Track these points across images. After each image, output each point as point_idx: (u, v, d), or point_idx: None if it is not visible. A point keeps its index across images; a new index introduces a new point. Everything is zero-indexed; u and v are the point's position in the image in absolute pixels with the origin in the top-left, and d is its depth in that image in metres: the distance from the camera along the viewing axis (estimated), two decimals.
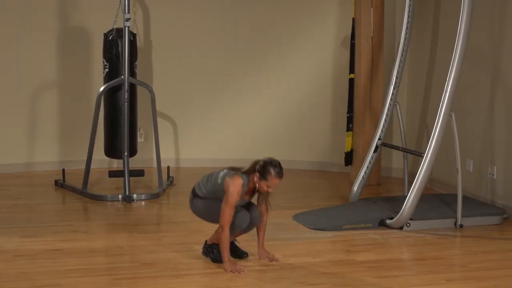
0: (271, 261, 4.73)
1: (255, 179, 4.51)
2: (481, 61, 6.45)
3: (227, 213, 4.45)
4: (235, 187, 4.46)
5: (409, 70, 7.55)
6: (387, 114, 6.38)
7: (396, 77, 6.37)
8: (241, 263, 4.69)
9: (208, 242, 4.77)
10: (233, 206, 4.47)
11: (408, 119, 7.51)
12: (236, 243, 4.82)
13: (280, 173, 4.52)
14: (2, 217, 5.83)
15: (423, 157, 5.63)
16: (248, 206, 4.69)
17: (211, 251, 4.72)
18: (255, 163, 4.56)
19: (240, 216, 4.56)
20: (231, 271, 4.49)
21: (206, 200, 4.65)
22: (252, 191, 4.62)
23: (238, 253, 4.79)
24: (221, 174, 4.59)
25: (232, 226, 4.56)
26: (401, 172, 7.09)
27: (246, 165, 4.67)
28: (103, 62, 6.73)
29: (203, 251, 4.79)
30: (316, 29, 8.01)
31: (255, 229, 4.74)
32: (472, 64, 6.42)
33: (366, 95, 7.31)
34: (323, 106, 8.08)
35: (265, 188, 4.52)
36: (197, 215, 4.76)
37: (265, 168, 4.50)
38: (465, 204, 5.76)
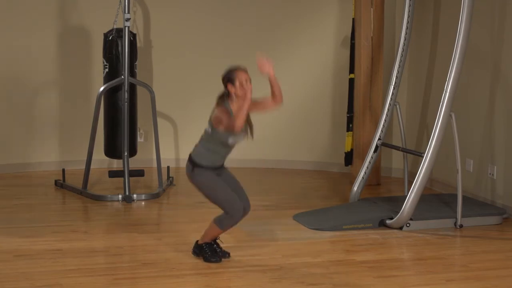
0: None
1: (232, 90, 4.57)
2: (481, 61, 6.45)
3: (228, 119, 4.50)
4: (220, 111, 4.54)
5: (409, 70, 7.55)
6: (387, 114, 6.38)
7: (396, 77, 6.37)
8: (238, 264, 4.69)
9: (199, 242, 4.76)
10: (229, 120, 4.50)
11: (408, 119, 7.51)
12: (219, 241, 4.80)
13: (240, 66, 4.64)
14: (2, 217, 5.83)
15: (423, 157, 5.63)
16: (239, 194, 4.67)
17: (203, 251, 4.71)
18: (221, 92, 4.67)
19: (236, 207, 4.58)
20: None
21: (204, 172, 4.60)
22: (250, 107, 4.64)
23: (221, 254, 4.77)
24: (208, 126, 4.63)
25: (227, 219, 4.59)
26: (401, 172, 7.08)
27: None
28: (103, 62, 6.73)
29: (193, 251, 4.79)
30: (316, 29, 8.01)
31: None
32: (472, 64, 6.42)
33: (366, 95, 7.31)
34: (323, 106, 8.08)
35: (241, 89, 4.57)
36: (196, 187, 4.70)
37: (227, 74, 4.64)
38: (465, 204, 5.76)
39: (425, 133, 7.31)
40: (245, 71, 4.64)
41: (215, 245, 4.78)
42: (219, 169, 4.69)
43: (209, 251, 4.71)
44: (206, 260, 4.70)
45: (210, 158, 4.62)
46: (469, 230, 5.66)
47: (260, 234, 5.42)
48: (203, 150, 4.64)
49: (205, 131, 4.66)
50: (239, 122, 4.47)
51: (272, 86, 4.78)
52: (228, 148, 4.66)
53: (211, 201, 4.68)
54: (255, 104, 4.73)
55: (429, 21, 7.25)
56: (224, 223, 4.64)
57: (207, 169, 4.62)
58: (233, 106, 4.59)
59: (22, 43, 7.60)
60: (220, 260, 4.70)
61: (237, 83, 4.59)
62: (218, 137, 4.57)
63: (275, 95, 4.83)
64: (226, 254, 4.80)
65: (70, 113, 7.83)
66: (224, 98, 4.63)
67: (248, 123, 4.73)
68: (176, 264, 4.68)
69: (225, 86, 4.63)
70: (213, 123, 4.57)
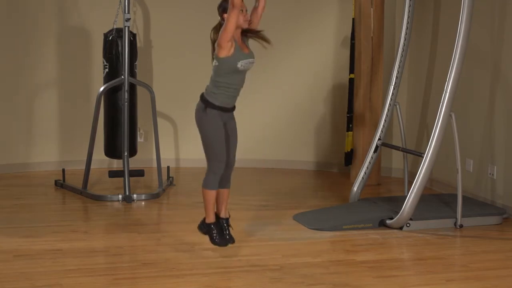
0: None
1: (226, 16, 4.54)
2: (481, 61, 6.45)
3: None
4: (223, 26, 4.54)
5: (409, 70, 7.55)
6: (387, 114, 6.38)
7: (396, 77, 6.37)
8: (238, 264, 4.70)
9: (206, 221, 4.80)
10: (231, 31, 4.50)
11: (408, 119, 7.51)
12: (230, 228, 4.86)
13: None
14: (2, 217, 5.83)
15: (423, 157, 5.63)
16: (229, 146, 4.73)
17: (211, 230, 4.76)
18: (215, 25, 4.71)
19: (217, 164, 4.65)
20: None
21: (211, 116, 4.63)
22: (243, 42, 4.67)
23: (226, 236, 4.80)
24: (214, 60, 4.66)
25: (208, 176, 4.67)
26: (401, 172, 7.09)
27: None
28: (103, 62, 6.73)
29: (200, 226, 4.85)
30: (316, 29, 8.01)
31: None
32: (472, 64, 6.42)
33: (366, 95, 7.32)
34: (323, 106, 8.08)
35: (240, 16, 4.53)
36: (198, 127, 4.73)
37: (221, 4, 4.66)
38: (465, 204, 5.77)
39: (425, 133, 7.31)
40: None
41: (225, 224, 4.81)
42: (228, 114, 4.70)
43: (216, 232, 4.75)
44: (212, 240, 4.74)
45: (221, 95, 4.64)
46: (469, 230, 5.66)
47: (260, 234, 5.42)
48: (214, 87, 4.67)
49: (213, 67, 4.67)
50: (231, 21, 4.45)
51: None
52: (239, 76, 4.66)
53: (202, 143, 4.70)
54: (251, 20, 4.71)
55: (429, 21, 7.25)
56: (207, 180, 4.68)
57: (217, 111, 4.64)
58: (236, 32, 4.60)
59: (22, 43, 7.60)
60: (225, 244, 4.74)
61: (233, 12, 4.50)
62: (227, 65, 4.57)
63: (260, 2, 4.77)
64: (231, 240, 4.82)
65: (70, 113, 7.83)
66: (219, 28, 4.65)
67: (256, 34, 4.73)
68: (176, 264, 4.68)
69: (221, 16, 4.64)
70: (217, 50, 4.56)
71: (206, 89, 4.74)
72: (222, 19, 4.64)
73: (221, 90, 4.65)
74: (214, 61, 4.65)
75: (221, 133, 4.66)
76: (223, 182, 4.78)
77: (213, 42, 4.70)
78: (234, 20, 4.47)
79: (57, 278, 4.36)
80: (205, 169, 4.75)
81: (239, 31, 4.64)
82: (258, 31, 4.74)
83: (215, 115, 4.65)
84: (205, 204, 4.76)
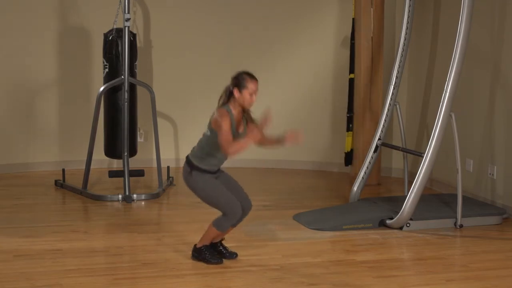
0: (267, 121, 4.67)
1: (237, 95, 4.47)
2: (481, 61, 6.45)
3: (225, 137, 4.35)
4: (222, 115, 4.41)
5: (409, 70, 7.55)
6: (387, 114, 6.38)
7: (396, 77, 6.37)
8: (238, 264, 4.70)
9: (197, 246, 4.74)
10: (228, 131, 4.39)
11: (408, 119, 7.51)
12: (224, 243, 4.80)
13: (252, 75, 4.53)
14: (2, 217, 5.83)
15: (423, 157, 5.63)
16: (238, 193, 4.64)
17: (203, 254, 4.68)
18: (226, 88, 4.55)
19: (235, 209, 4.54)
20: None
21: (202, 176, 4.55)
22: (241, 119, 4.57)
23: (227, 255, 4.76)
24: (207, 129, 4.56)
25: (225, 220, 4.56)
26: (401, 172, 7.09)
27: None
28: (103, 62, 6.73)
29: (192, 255, 4.76)
30: (316, 29, 8.01)
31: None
32: (472, 64, 6.42)
33: (366, 95, 7.32)
34: (323, 106, 8.08)
35: (248, 96, 4.48)
36: (192, 191, 4.66)
37: (238, 78, 4.51)
38: (465, 204, 5.77)
39: (425, 133, 7.31)
40: (256, 81, 4.52)
41: (220, 247, 4.76)
42: (217, 172, 4.65)
43: (208, 253, 4.69)
44: (207, 261, 4.67)
45: (208, 161, 4.56)
46: (469, 230, 5.66)
47: (260, 234, 5.42)
48: (201, 153, 4.58)
49: (204, 134, 4.59)
50: (230, 152, 4.38)
51: (271, 142, 4.83)
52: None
53: (209, 204, 4.64)
54: (250, 126, 4.66)
55: (429, 21, 7.25)
56: (223, 225, 4.60)
57: (205, 172, 4.57)
58: (234, 110, 4.51)
59: (22, 43, 7.60)
60: (221, 261, 4.68)
61: (246, 92, 4.49)
62: (217, 140, 4.45)
63: (263, 141, 4.77)
64: (233, 255, 4.77)
65: (70, 113, 7.83)
66: (225, 98, 4.54)
67: (251, 121, 4.65)
68: (176, 264, 4.68)
69: (231, 88, 4.51)
70: (212, 125, 4.48)
71: (192, 152, 4.64)
72: (231, 91, 4.51)
73: (208, 157, 4.57)
74: (207, 130, 4.55)
75: (216, 182, 4.58)
76: (237, 222, 4.69)
77: (218, 109, 4.54)
78: (224, 136, 4.39)
79: (57, 278, 4.36)
80: None
81: (241, 108, 4.56)
82: (254, 122, 4.66)
83: (204, 174, 4.57)
84: (207, 237, 4.69)
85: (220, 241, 4.78)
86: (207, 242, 4.70)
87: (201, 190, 4.60)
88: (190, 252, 4.83)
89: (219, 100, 4.56)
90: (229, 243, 4.95)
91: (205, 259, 4.68)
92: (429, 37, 7.26)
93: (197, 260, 4.73)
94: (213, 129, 4.47)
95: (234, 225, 4.67)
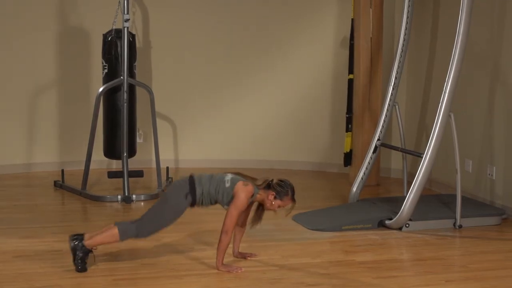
0: (248, 258, 4.75)
1: (270, 197, 4.52)
2: (480, 61, 6.46)
3: (235, 217, 4.45)
4: (247, 193, 4.45)
5: (408, 71, 7.55)
6: (386, 115, 6.38)
7: (395, 77, 6.37)
8: (237, 264, 4.70)
9: (85, 243, 4.44)
10: (241, 211, 4.48)
11: (407, 119, 7.51)
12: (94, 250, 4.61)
13: (294, 195, 4.59)
14: (1, 218, 5.83)
15: (422, 157, 5.63)
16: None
17: (83, 254, 4.44)
18: (268, 180, 4.55)
19: (148, 234, 4.52)
20: (228, 271, 4.49)
21: (184, 201, 4.49)
22: (251, 205, 4.63)
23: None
24: (228, 177, 4.52)
25: (134, 234, 4.49)
26: (400, 173, 7.09)
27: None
28: (102, 63, 6.73)
29: (75, 244, 4.44)
30: (315, 30, 8.02)
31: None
32: (472, 64, 6.43)
33: (365, 95, 7.32)
34: (322, 106, 8.08)
35: (276, 207, 4.55)
36: (160, 201, 4.58)
37: (284, 188, 4.54)
38: (464, 204, 5.77)
39: (424, 133, 7.32)
40: (294, 202, 4.59)
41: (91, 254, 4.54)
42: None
43: (85, 256, 4.45)
44: (76, 263, 4.43)
45: (205, 201, 4.53)
46: (468, 230, 5.66)
47: (259, 235, 5.42)
48: (206, 192, 4.50)
49: (222, 180, 4.52)
50: (224, 238, 4.45)
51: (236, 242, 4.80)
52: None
53: (151, 215, 4.51)
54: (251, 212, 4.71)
55: (428, 21, 7.26)
56: (127, 234, 4.47)
57: (190, 202, 4.53)
58: (257, 197, 4.55)
59: (21, 43, 7.60)
60: (85, 270, 4.46)
61: (278, 204, 4.54)
62: (223, 197, 4.50)
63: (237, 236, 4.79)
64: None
65: (70, 114, 7.83)
66: (262, 187, 4.54)
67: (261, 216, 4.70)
68: (176, 264, 4.68)
69: (270, 187, 4.53)
70: (234, 190, 4.47)
71: (200, 180, 4.54)
72: (270, 191, 4.53)
73: (208, 199, 4.54)
74: (229, 182, 4.49)
75: (180, 213, 4.53)
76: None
77: (249, 182, 4.54)
78: (233, 217, 4.45)
79: (57, 279, 4.36)
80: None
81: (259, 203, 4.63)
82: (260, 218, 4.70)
83: (187, 202, 4.52)
84: (102, 239, 4.49)
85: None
86: (96, 244, 4.49)
87: (168, 207, 4.52)
88: (190, 253, 4.83)
89: (255, 180, 4.55)
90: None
91: (77, 260, 4.42)
92: (428, 37, 7.27)
93: (71, 251, 4.44)
94: (233, 191, 4.47)
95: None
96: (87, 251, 4.49)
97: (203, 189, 4.52)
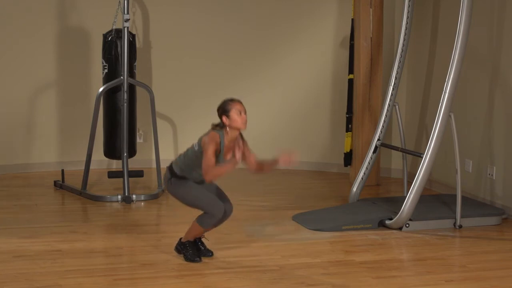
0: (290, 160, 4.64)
1: (226, 122, 4.51)
2: (480, 61, 6.46)
3: (209, 158, 4.40)
4: (211, 139, 4.46)
5: (408, 71, 7.55)
6: (386, 115, 6.38)
7: (395, 77, 6.37)
8: (237, 264, 4.70)
9: (182, 240, 4.79)
10: (211, 156, 4.43)
11: (407, 119, 7.51)
12: (204, 240, 4.83)
13: (233, 98, 4.58)
14: (1, 218, 5.83)
15: (422, 157, 5.63)
16: (221, 198, 4.69)
17: (185, 249, 4.74)
18: (214, 123, 4.59)
19: (217, 207, 4.59)
20: (229, 164, 4.47)
21: (182, 181, 4.61)
22: (233, 147, 4.60)
23: (204, 252, 4.79)
24: (195, 143, 4.59)
25: (208, 217, 4.61)
26: (400, 173, 7.09)
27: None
28: (102, 63, 6.73)
29: (176, 248, 4.82)
30: (315, 30, 8.02)
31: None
32: (471, 65, 6.43)
33: (365, 95, 7.32)
34: (322, 106, 8.08)
35: (237, 117, 4.50)
36: (174, 196, 4.74)
37: (222, 106, 4.56)
38: (464, 204, 5.77)
39: (424, 133, 7.32)
40: (238, 101, 4.57)
41: (199, 243, 4.80)
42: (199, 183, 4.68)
43: (190, 250, 4.73)
44: (186, 259, 4.71)
45: (189, 173, 4.62)
46: (468, 230, 5.66)
47: (259, 235, 5.42)
48: (184, 165, 4.63)
49: (192, 146, 4.61)
50: (208, 177, 4.45)
51: (267, 166, 4.74)
52: None
53: (192, 206, 4.70)
54: (245, 149, 4.70)
55: (428, 21, 7.26)
56: (205, 221, 4.65)
57: (186, 179, 4.62)
58: (227, 138, 4.54)
59: (21, 44, 7.60)
60: (200, 260, 4.71)
61: (232, 115, 4.52)
62: (201, 160, 4.51)
63: (260, 169, 4.75)
64: (209, 253, 4.81)
65: (70, 114, 7.83)
66: (218, 126, 4.58)
67: (242, 153, 4.68)
68: (175, 264, 4.68)
69: (220, 118, 4.56)
70: (202, 143, 4.52)
71: (176, 160, 4.68)
72: (222, 121, 4.55)
73: (190, 170, 4.61)
74: (196, 145, 4.56)
75: (196, 186, 4.62)
76: (219, 222, 4.75)
77: (211, 130, 4.58)
78: (206, 160, 4.44)
79: (57, 279, 4.36)
80: None
81: (236, 132, 4.58)
82: (244, 155, 4.69)
83: (181, 180, 4.62)
84: (190, 233, 4.75)
85: (200, 238, 4.82)
86: (191, 238, 4.76)
87: (182, 196, 4.68)
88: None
89: (213, 125, 4.59)
90: (229, 243, 4.96)
91: (186, 255, 4.73)
92: (428, 37, 7.27)
93: (178, 253, 4.79)
94: (201, 146, 4.51)
95: (215, 225, 4.72)
96: (191, 244, 4.72)
97: (180, 165, 4.61)
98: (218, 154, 4.50)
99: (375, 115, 7.23)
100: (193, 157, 4.57)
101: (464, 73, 5.94)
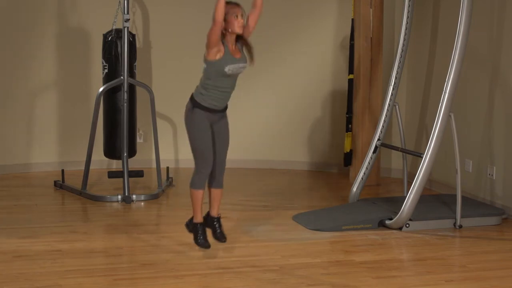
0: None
1: (226, 27, 4.53)
2: (480, 61, 6.46)
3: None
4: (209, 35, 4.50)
5: (408, 71, 7.56)
6: (386, 115, 6.38)
7: (395, 77, 6.37)
8: (237, 264, 4.70)
9: (194, 220, 4.81)
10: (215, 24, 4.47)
11: (407, 119, 7.51)
12: (222, 218, 4.88)
13: (231, 1, 4.58)
14: (1, 218, 5.83)
15: (422, 157, 5.63)
16: (218, 149, 4.76)
17: (195, 230, 4.78)
18: None
19: (203, 163, 4.66)
20: None
21: (196, 113, 4.67)
22: (237, 49, 4.63)
23: (217, 234, 4.81)
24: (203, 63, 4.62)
25: (195, 174, 4.69)
26: (400, 173, 7.09)
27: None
28: (102, 63, 6.73)
29: (186, 224, 4.89)
30: (315, 30, 8.02)
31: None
32: (471, 65, 6.43)
33: (365, 95, 7.32)
34: (322, 106, 8.09)
35: (233, 20, 4.53)
36: (186, 130, 4.78)
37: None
38: (464, 204, 5.77)
39: (424, 133, 7.32)
40: (236, 5, 4.58)
41: (215, 223, 4.81)
42: (218, 114, 4.70)
43: (200, 233, 4.76)
44: (195, 240, 4.76)
45: (210, 96, 4.62)
46: (468, 230, 5.66)
47: (259, 235, 5.42)
48: (202, 88, 4.64)
49: (203, 69, 4.63)
50: (217, 10, 4.44)
51: None
52: (229, 80, 4.61)
53: (190, 143, 4.73)
54: (246, 24, 4.69)
55: (428, 21, 7.26)
56: (193, 181, 4.69)
57: (205, 112, 4.64)
58: (228, 41, 4.58)
59: (21, 44, 7.60)
60: (209, 246, 4.73)
61: (228, 19, 4.54)
62: (214, 68, 4.54)
63: (255, 4, 4.70)
64: (222, 238, 4.82)
65: (70, 114, 7.83)
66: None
67: (246, 46, 4.70)
68: (176, 264, 4.68)
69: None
70: (205, 52, 4.54)
71: (195, 89, 4.73)
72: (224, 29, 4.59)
73: (210, 92, 4.63)
74: (204, 63, 4.63)
75: (206, 134, 4.67)
76: (214, 182, 4.79)
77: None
78: (212, 37, 4.49)
79: (57, 279, 4.36)
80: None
81: (234, 36, 4.62)
82: (249, 45, 4.71)
83: (202, 116, 4.66)
84: (192, 203, 4.78)
85: (218, 218, 4.84)
86: (198, 212, 4.75)
87: (191, 127, 4.72)
88: (190, 253, 4.83)
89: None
90: (228, 243, 4.95)
91: (196, 236, 4.77)
92: (428, 37, 7.27)
93: (188, 230, 4.84)
94: (206, 58, 4.55)
95: (215, 187, 4.77)
96: (203, 227, 4.76)
97: (199, 89, 4.66)
98: (225, 52, 4.52)
99: (375, 115, 7.23)
100: (207, 73, 4.58)
101: (464, 73, 5.94)
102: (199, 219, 4.79)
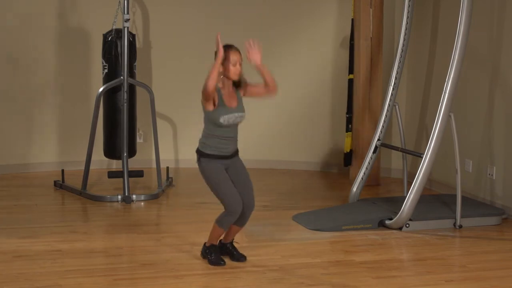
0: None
1: (220, 69, 4.46)
2: (480, 61, 6.46)
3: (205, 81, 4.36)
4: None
5: (408, 71, 7.55)
6: (386, 115, 6.38)
7: (395, 77, 6.37)
8: (237, 264, 4.70)
9: (206, 244, 4.76)
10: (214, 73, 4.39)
11: (407, 119, 7.51)
12: (235, 243, 4.81)
13: (232, 45, 4.58)
14: (1, 218, 5.83)
15: (422, 157, 5.63)
16: (244, 190, 4.63)
17: (209, 254, 4.70)
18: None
19: (232, 205, 4.51)
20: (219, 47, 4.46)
21: (210, 162, 4.52)
22: (234, 94, 4.56)
23: (236, 256, 4.75)
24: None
25: (225, 215, 4.55)
26: (400, 173, 7.09)
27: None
28: (102, 63, 6.73)
29: (201, 253, 4.79)
30: (315, 30, 8.02)
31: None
32: (471, 65, 6.43)
33: (365, 95, 7.32)
34: (322, 106, 8.08)
35: (231, 67, 4.49)
36: (204, 179, 4.60)
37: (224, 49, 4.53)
38: (464, 204, 5.77)
39: (424, 133, 7.32)
40: (237, 51, 4.56)
41: (230, 248, 4.76)
42: (228, 159, 4.58)
43: (213, 254, 4.68)
44: (210, 262, 4.67)
45: (211, 144, 4.52)
46: (468, 230, 5.66)
47: (259, 235, 5.42)
48: (203, 137, 4.58)
49: (203, 118, 4.58)
50: (208, 81, 4.33)
51: (262, 75, 4.64)
52: (227, 129, 4.52)
53: (214, 193, 4.60)
54: (249, 87, 4.66)
55: (428, 21, 7.26)
56: (223, 221, 4.59)
57: (213, 159, 4.52)
58: (223, 85, 4.52)
59: (21, 44, 7.60)
60: (223, 264, 4.66)
61: (227, 65, 4.50)
62: (209, 117, 4.48)
63: (267, 84, 4.69)
64: (242, 258, 4.76)
65: (70, 114, 7.83)
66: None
67: (239, 80, 4.61)
68: (176, 264, 4.68)
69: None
70: (202, 102, 4.47)
71: (199, 141, 4.62)
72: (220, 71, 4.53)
73: (211, 140, 4.54)
74: (203, 111, 4.56)
75: (221, 172, 4.54)
76: (240, 220, 4.65)
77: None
78: (206, 95, 4.40)
79: (57, 279, 4.36)
80: None
81: (230, 81, 4.55)
82: (242, 85, 4.65)
83: (213, 162, 4.54)
84: (212, 236, 4.69)
85: (231, 242, 4.79)
86: (214, 241, 4.70)
87: (207, 178, 4.57)
88: (190, 253, 4.83)
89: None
90: None
91: (209, 259, 4.69)
92: (428, 37, 7.27)
93: (203, 257, 4.74)
94: (203, 107, 4.48)
95: (238, 225, 4.66)
96: (216, 249, 4.67)
97: (203, 140, 4.56)
98: (219, 102, 4.45)
99: (375, 115, 7.23)
100: (205, 122, 4.53)
101: (464, 73, 5.94)
102: (213, 243, 4.74)
